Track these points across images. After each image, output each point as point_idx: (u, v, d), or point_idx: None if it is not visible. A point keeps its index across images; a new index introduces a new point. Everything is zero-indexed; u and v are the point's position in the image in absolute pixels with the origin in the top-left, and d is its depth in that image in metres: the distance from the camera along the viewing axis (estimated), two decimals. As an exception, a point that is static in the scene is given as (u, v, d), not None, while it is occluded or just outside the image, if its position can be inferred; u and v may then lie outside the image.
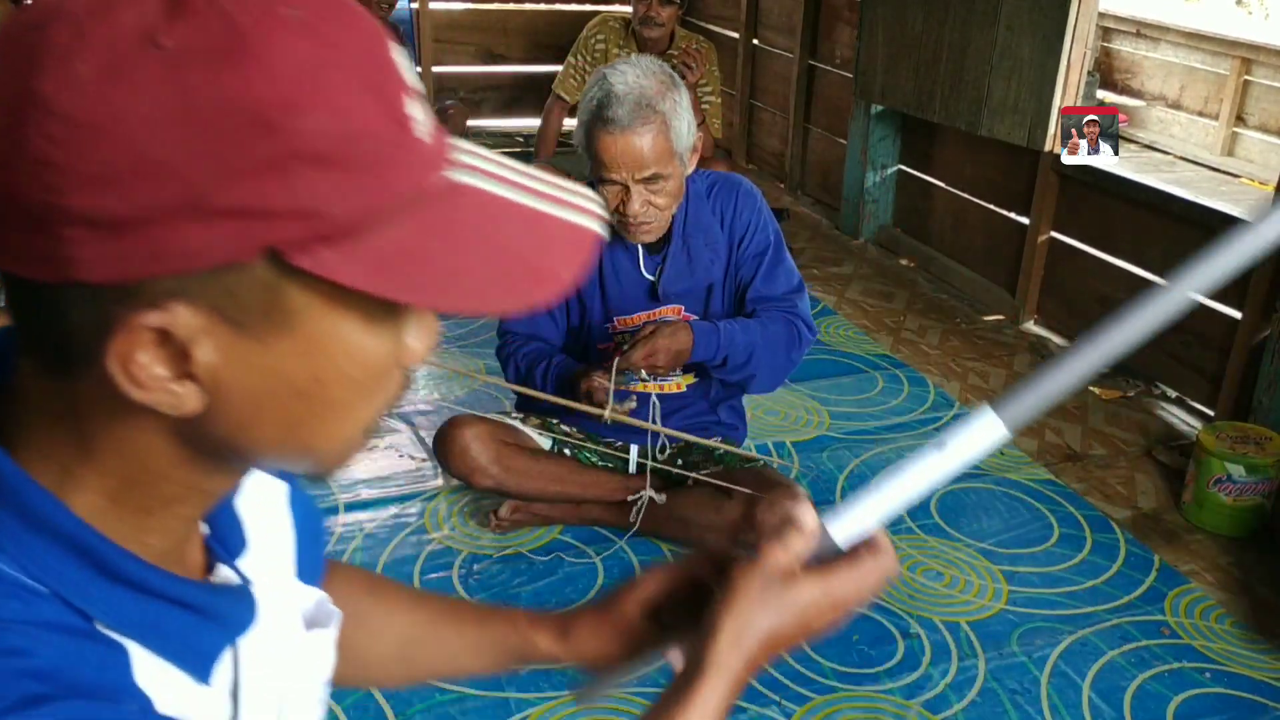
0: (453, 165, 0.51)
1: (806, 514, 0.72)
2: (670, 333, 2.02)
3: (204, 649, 0.57)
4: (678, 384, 2.26)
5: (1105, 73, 4.85)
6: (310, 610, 0.70)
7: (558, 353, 2.16)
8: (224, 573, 0.62)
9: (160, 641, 0.53)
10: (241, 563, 0.64)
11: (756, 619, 0.68)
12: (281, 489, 0.72)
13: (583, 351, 2.22)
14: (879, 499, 0.71)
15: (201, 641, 0.57)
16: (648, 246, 2.12)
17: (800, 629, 0.70)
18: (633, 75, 1.95)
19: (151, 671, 0.53)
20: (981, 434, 0.69)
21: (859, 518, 0.71)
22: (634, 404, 2.03)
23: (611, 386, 1.98)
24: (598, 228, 0.54)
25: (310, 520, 0.73)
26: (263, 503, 0.69)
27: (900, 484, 0.70)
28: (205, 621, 0.57)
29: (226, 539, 0.64)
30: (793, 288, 2.18)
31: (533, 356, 2.13)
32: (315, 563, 0.74)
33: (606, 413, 2.03)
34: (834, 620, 0.71)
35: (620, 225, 2.03)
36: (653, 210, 2.00)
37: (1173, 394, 3.04)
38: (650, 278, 2.13)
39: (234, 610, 0.60)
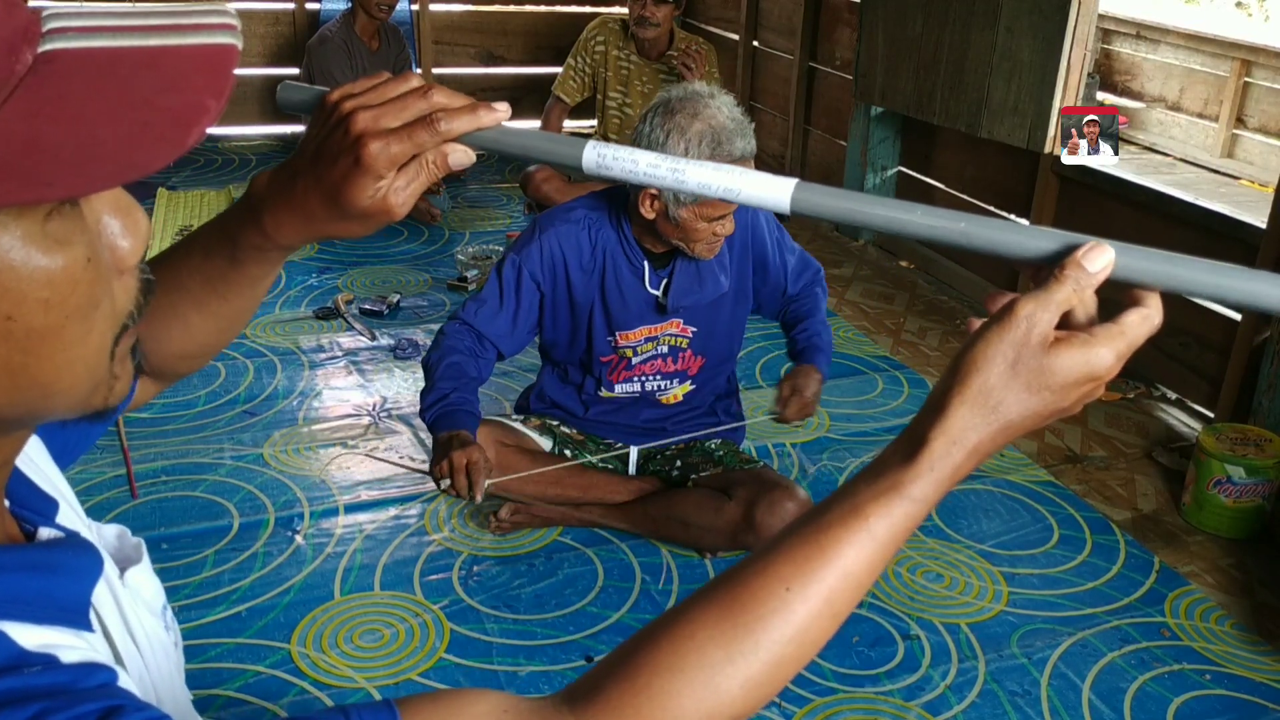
0: (44, 35, 0.46)
1: (1098, 251, 0.59)
2: (816, 383, 2.17)
3: (70, 602, 0.56)
4: (675, 395, 2.26)
5: (1105, 74, 4.85)
6: (115, 546, 0.69)
7: (470, 387, 2.03)
8: (48, 534, 0.61)
9: (27, 609, 0.52)
10: (60, 520, 0.63)
11: (1003, 404, 0.59)
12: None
13: (584, 364, 2.22)
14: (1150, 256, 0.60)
15: (66, 595, 0.55)
16: (653, 262, 2.11)
17: (1047, 414, 0.60)
18: (729, 108, 1.94)
19: (37, 638, 0.52)
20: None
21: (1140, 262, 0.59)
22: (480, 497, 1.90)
23: (482, 482, 1.86)
24: (230, 39, 0.49)
25: (49, 431, 0.70)
26: (32, 455, 0.67)
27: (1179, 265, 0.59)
28: (59, 577, 0.55)
29: (33, 504, 0.62)
30: (809, 262, 2.36)
31: (448, 372, 2.01)
32: (70, 449, 0.72)
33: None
34: (1085, 398, 0.61)
35: (702, 249, 2.01)
36: (732, 227, 2.03)
37: (1173, 396, 3.04)
38: (655, 293, 2.13)
39: (79, 559, 0.58)
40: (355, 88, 0.66)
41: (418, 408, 2.74)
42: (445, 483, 1.86)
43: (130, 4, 0.50)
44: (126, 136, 0.45)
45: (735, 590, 0.61)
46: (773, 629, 0.60)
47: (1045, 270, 0.61)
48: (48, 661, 0.50)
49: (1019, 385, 0.59)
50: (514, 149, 0.68)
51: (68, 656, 0.52)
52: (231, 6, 0.52)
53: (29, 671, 0.49)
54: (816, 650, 0.62)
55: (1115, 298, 0.62)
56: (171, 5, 0.51)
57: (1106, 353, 0.59)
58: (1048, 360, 0.59)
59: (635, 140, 1.97)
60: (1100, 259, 0.59)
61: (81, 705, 0.48)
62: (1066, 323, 0.61)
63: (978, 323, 0.63)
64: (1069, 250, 0.60)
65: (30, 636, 0.51)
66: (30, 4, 0.48)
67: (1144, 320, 0.60)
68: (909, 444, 0.62)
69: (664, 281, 2.12)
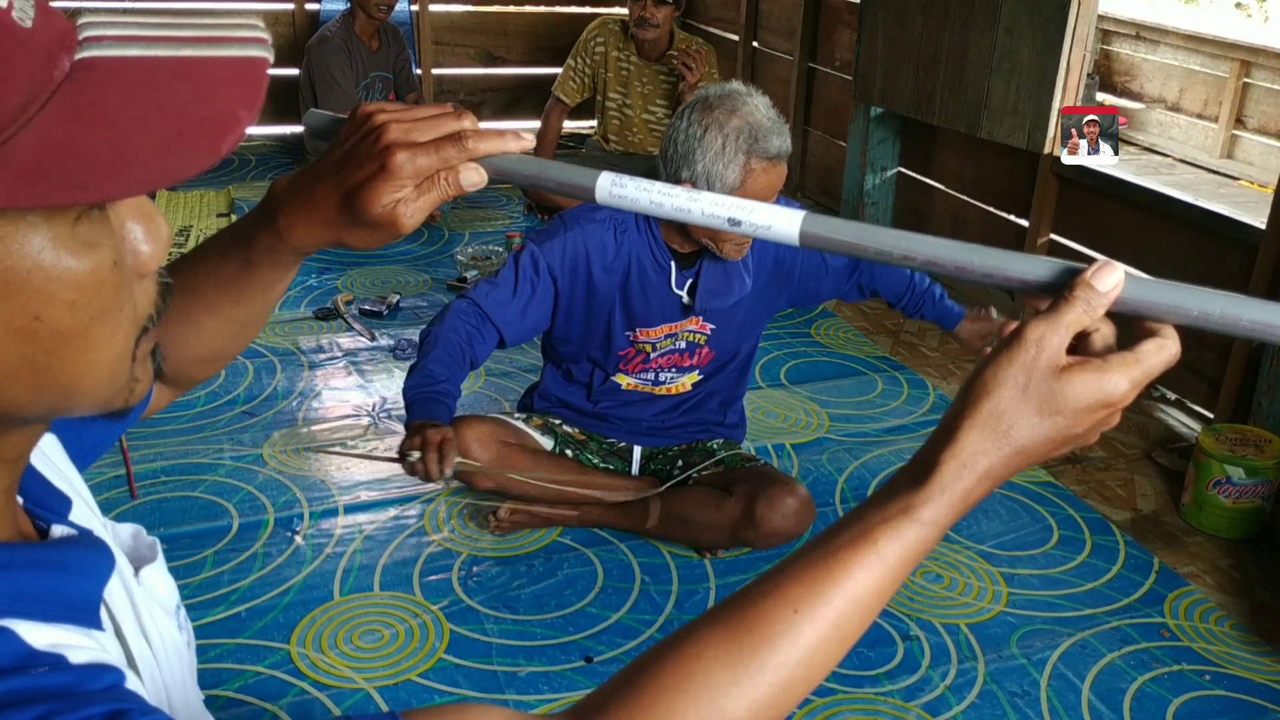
0: (80, 43, 0.47)
1: (1108, 270, 0.58)
2: (973, 321, 2.26)
3: (80, 600, 0.56)
4: (682, 384, 2.26)
5: (1105, 75, 4.85)
6: (130, 545, 0.69)
7: (459, 377, 1.99)
8: (61, 531, 0.61)
9: (36, 608, 0.52)
10: (73, 517, 0.63)
11: (1015, 428, 0.59)
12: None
13: (596, 360, 2.22)
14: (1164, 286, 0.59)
15: (76, 594, 0.56)
16: (679, 262, 2.11)
17: (1060, 440, 0.60)
18: (766, 107, 1.94)
19: (46, 637, 0.52)
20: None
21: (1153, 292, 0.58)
22: (453, 483, 1.88)
23: (446, 466, 1.82)
24: (261, 52, 0.50)
25: (69, 431, 0.71)
26: (48, 452, 0.67)
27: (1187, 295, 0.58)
28: (69, 575, 0.56)
29: (47, 501, 0.62)
30: (900, 274, 2.33)
31: (442, 356, 1.97)
32: (90, 449, 0.73)
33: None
34: (1100, 426, 0.60)
35: (730, 248, 2.00)
36: None
37: (1172, 396, 3.04)
38: (680, 293, 2.13)
39: (91, 557, 0.59)
40: (390, 105, 0.68)
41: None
42: (415, 455, 1.82)
43: (163, 15, 0.50)
44: (161, 143, 0.46)
45: (743, 612, 0.61)
46: (780, 651, 0.59)
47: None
48: (55, 662, 0.50)
49: (1030, 409, 0.59)
50: (531, 177, 0.70)
51: (76, 657, 0.52)
52: (252, 6, 0.52)
53: (36, 672, 0.49)
54: (824, 674, 0.61)
55: (1131, 331, 0.61)
56: (204, 17, 0.52)
57: (1120, 379, 0.58)
58: (1059, 384, 0.58)
59: (670, 136, 1.98)
60: (1110, 278, 0.59)
61: (87, 708, 0.48)
62: (1084, 352, 0.60)
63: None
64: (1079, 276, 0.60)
65: (39, 635, 0.51)
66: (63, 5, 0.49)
67: (1160, 349, 0.59)
68: (919, 468, 0.61)
69: (689, 282, 2.12)
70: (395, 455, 1.88)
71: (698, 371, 2.25)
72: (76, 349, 0.50)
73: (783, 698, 0.60)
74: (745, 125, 1.89)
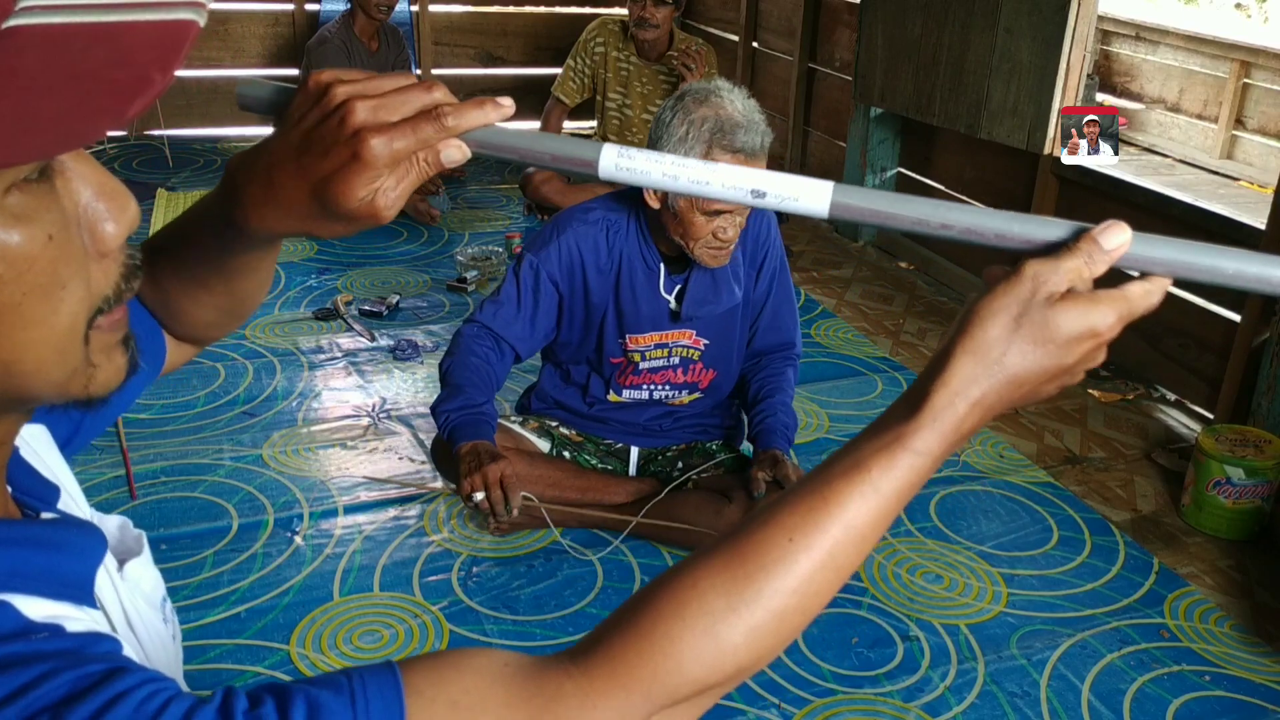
0: (14, 13, 0.46)
1: (1115, 230, 0.60)
2: (785, 461, 2.06)
3: (76, 577, 0.56)
4: (684, 399, 2.27)
5: (1104, 75, 4.85)
6: (116, 538, 0.69)
7: (488, 393, 2.01)
8: (50, 517, 0.61)
9: (32, 583, 0.52)
10: (61, 506, 0.63)
11: (1007, 355, 0.60)
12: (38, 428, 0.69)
13: (593, 363, 2.21)
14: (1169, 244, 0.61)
15: (70, 571, 0.55)
16: (670, 267, 2.10)
17: (1053, 370, 0.60)
18: (743, 104, 1.92)
19: (43, 610, 0.52)
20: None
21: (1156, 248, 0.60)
22: (513, 515, 1.88)
23: (496, 502, 1.85)
24: (191, 15, 0.47)
25: (54, 419, 0.70)
26: (34, 445, 0.67)
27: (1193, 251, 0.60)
28: (63, 553, 0.55)
29: (35, 490, 0.62)
30: (795, 324, 2.28)
31: (468, 379, 1.98)
32: (77, 438, 0.73)
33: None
34: (1087, 361, 0.61)
35: (703, 253, 1.98)
36: (735, 234, 1.98)
37: (1172, 397, 3.04)
38: (667, 297, 2.12)
39: (84, 538, 0.58)
40: (347, 74, 0.60)
41: (418, 409, 2.76)
42: (479, 496, 1.83)
43: None
44: (67, 108, 0.45)
45: (738, 541, 0.61)
46: (775, 578, 0.60)
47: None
48: (54, 630, 0.51)
49: (1022, 338, 0.60)
50: (522, 151, 0.63)
51: (73, 627, 0.52)
52: (253, 7, 0.51)
53: (36, 638, 0.49)
54: (820, 604, 0.62)
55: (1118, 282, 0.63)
56: None
57: (1108, 311, 0.60)
58: (1051, 313, 0.59)
59: (653, 126, 1.99)
60: (1116, 237, 0.60)
61: (89, 665, 0.48)
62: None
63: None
64: None
65: (36, 608, 0.51)
66: None
67: (1146, 294, 0.61)
68: (912, 398, 0.62)
69: (678, 288, 2.11)
70: (453, 488, 1.90)
71: (697, 391, 2.25)
72: (11, 324, 0.48)
73: (780, 625, 0.60)
74: (713, 115, 1.89)
